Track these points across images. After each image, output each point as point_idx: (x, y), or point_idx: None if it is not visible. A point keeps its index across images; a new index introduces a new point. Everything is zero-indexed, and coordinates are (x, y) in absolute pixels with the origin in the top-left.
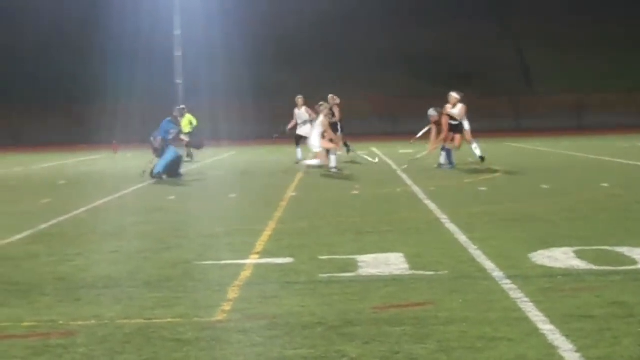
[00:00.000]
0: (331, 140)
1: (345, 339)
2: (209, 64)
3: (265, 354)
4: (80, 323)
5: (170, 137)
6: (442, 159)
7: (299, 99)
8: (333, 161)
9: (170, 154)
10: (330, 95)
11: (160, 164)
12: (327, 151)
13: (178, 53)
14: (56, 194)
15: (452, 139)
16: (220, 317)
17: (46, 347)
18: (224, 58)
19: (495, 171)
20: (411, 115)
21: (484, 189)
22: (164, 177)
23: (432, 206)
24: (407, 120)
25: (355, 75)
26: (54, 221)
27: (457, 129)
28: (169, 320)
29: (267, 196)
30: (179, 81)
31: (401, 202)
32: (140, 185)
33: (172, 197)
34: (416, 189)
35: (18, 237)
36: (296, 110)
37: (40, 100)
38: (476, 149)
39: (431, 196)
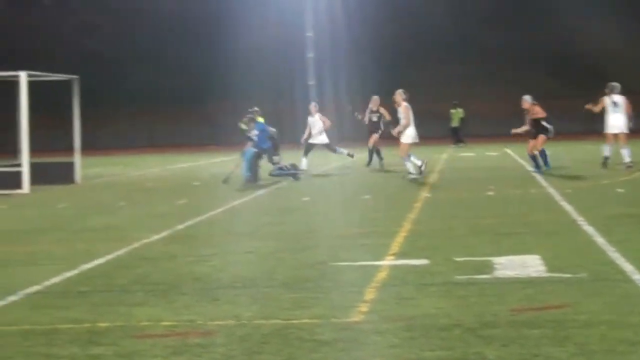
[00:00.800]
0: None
1: (483, 341)
2: (338, 64)
3: (403, 356)
4: (218, 323)
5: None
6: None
7: (313, 107)
8: (410, 168)
9: (247, 154)
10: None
11: (244, 167)
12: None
13: (310, 54)
14: (191, 195)
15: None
16: (357, 318)
17: (185, 347)
18: (352, 58)
19: (637, 170)
20: (553, 116)
21: (622, 190)
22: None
23: (568, 208)
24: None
25: (492, 74)
26: (190, 222)
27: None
28: (307, 320)
29: (400, 197)
30: (311, 82)
31: (536, 203)
32: (274, 187)
33: (306, 199)
34: (551, 190)
35: (156, 237)
36: (310, 118)
37: (170, 102)
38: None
39: (567, 198)
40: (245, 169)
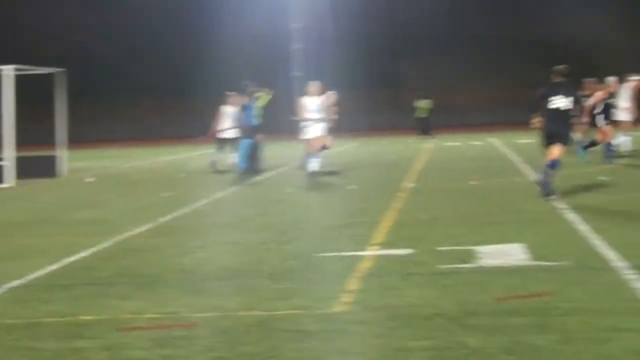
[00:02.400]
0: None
1: (467, 330)
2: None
3: (387, 345)
4: (202, 315)
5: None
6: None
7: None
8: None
9: (242, 145)
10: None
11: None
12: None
13: (296, 46)
14: (177, 187)
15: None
16: (340, 308)
17: (169, 339)
18: (339, 49)
19: (621, 157)
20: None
21: (604, 178)
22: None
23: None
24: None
25: (476, 64)
26: (175, 214)
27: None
28: (290, 311)
29: (386, 187)
30: (297, 74)
31: (520, 192)
32: (258, 178)
33: (291, 190)
34: (534, 178)
35: (141, 229)
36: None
37: (156, 94)
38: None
39: None
40: (240, 160)
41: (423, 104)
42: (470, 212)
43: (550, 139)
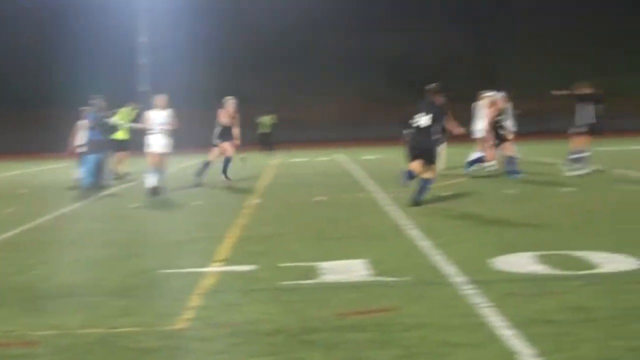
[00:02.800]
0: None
1: (307, 346)
2: (174, 72)
3: None
4: (41, 333)
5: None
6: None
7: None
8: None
9: (89, 160)
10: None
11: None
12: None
13: (143, 60)
14: (19, 202)
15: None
16: (182, 325)
17: (8, 357)
18: (189, 66)
19: (461, 176)
20: (378, 121)
21: (447, 194)
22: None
23: (395, 212)
24: (373, 126)
25: (325, 80)
26: (16, 230)
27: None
28: (132, 329)
29: (231, 203)
30: (143, 89)
31: (364, 208)
32: (104, 193)
33: (136, 205)
34: (379, 195)
35: None
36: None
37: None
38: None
39: (394, 202)
40: (87, 175)
41: (266, 120)
42: (314, 228)
43: (413, 154)
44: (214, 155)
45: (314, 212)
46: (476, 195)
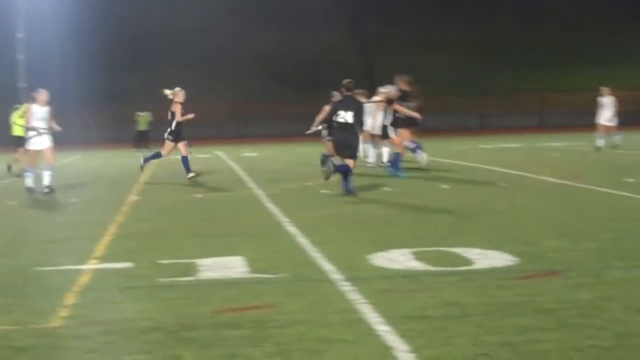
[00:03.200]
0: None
1: (183, 344)
2: (57, 68)
3: None
4: None
5: None
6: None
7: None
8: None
9: None
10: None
11: None
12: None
13: (21, 56)
14: None
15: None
16: (56, 323)
17: None
18: (73, 61)
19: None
20: (260, 119)
21: (326, 191)
22: None
23: (274, 209)
24: (255, 124)
25: (210, 78)
26: None
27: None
28: (5, 327)
29: (109, 200)
30: (22, 85)
31: (244, 205)
32: None
33: (13, 202)
34: (260, 192)
35: None
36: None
37: None
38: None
39: (274, 199)
40: None
41: (143, 117)
42: (193, 225)
43: (339, 149)
44: (167, 151)
45: (194, 209)
46: (363, 192)
